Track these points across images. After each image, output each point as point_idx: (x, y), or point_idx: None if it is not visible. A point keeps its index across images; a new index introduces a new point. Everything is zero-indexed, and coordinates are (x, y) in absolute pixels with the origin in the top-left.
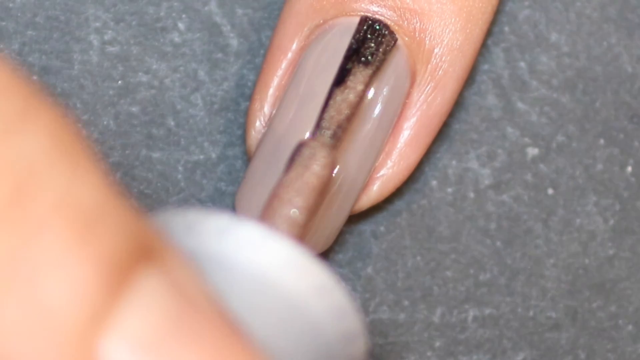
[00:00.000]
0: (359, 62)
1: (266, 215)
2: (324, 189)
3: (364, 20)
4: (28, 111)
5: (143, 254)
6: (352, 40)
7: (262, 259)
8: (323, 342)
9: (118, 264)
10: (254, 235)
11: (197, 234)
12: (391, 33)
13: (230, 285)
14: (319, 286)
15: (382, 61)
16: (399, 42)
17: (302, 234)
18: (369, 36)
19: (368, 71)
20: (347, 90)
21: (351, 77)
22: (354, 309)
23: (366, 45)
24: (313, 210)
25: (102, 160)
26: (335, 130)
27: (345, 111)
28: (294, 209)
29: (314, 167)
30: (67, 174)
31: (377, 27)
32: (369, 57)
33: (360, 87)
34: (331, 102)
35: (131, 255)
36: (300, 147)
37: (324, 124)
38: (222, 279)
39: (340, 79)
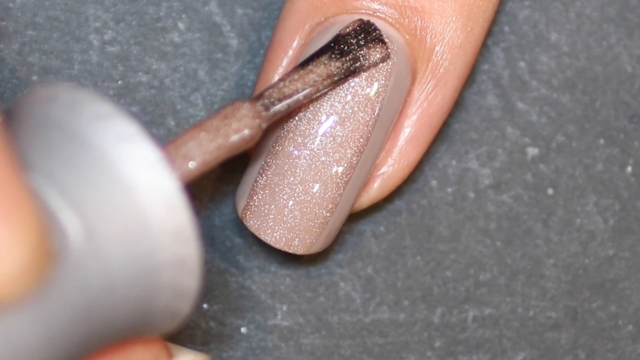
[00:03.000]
0: (331, 54)
1: (172, 145)
2: (234, 150)
3: (365, 22)
4: None
5: None
6: (338, 34)
7: (122, 149)
8: (148, 232)
9: None
10: (128, 129)
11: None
12: (383, 42)
13: (79, 163)
14: (158, 184)
15: (357, 63)
16: (395, 48)
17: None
18: (354, 33)
19: (334, 65)
20: (302, 72)
21: (312, 64)
22: (189, 208)
23: (346, 41)
24: (212, 165)
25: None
26: (273, 102)
27: (288, 90)
28: (192, 162)
29: (231, 136)
30: None
31: (370, 29)
32: (344, 49)
33: (312, 76)
34: (286, 76)
35: None
36: (233, 104)
37: (266, 94)
38: (74, 154)
39: (305, 62)
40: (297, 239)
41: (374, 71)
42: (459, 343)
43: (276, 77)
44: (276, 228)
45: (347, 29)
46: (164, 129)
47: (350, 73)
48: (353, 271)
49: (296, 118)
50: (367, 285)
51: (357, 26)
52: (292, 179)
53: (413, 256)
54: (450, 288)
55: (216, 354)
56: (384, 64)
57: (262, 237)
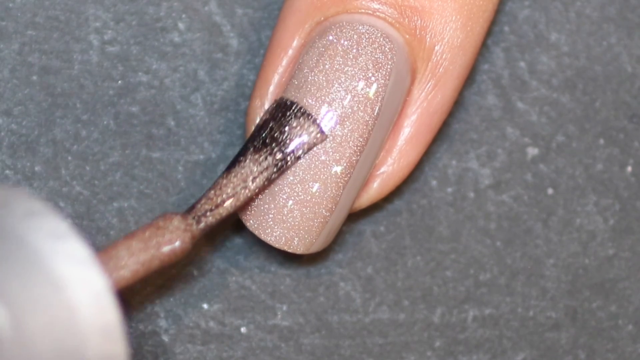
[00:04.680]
0: (254, 148)
1: (104, 254)
2: (165, 261)
3: (279, 101)
4: None
5: None
6: (259, 121)
7: (52, 246)
8: (76, 329)
9: None
10: (59, 227)
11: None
12: (306, 115)
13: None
14: (88, 281)
15: (286, 147)
16: (397, 45)
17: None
18: (271, 117)
19: (261, 157)
20: (230, 177)
21: (237, 165)
22: (118, 307)
23: (265, 128)
24: (142, 275)
25: None
26: (205, 214)
27: (219, 199)
28: (123, 270)
29: (162, 247)
30: None
31: (286, 106)
32: (265, 137)
33: (240, 177)
34: (216, 184)
35: None
36: (165, 216)
37: (198, 206)
38: (6, 249)
39: (231, 164)
40: (296, 238)
41: (374, 71)
42: (459, 343)
43: (276, 77)
44: (276, 227)
45: (264, 117)
46: (164, 129)
47: (285, 162)
48: (353, 271)
49: None
50: (367, 285)
51: (273, 109)
52: (291, 178)
53: (413, 256)
54: (450, 288)
55: (216, 354)
56: (385, 63)
57: (262, 236)
